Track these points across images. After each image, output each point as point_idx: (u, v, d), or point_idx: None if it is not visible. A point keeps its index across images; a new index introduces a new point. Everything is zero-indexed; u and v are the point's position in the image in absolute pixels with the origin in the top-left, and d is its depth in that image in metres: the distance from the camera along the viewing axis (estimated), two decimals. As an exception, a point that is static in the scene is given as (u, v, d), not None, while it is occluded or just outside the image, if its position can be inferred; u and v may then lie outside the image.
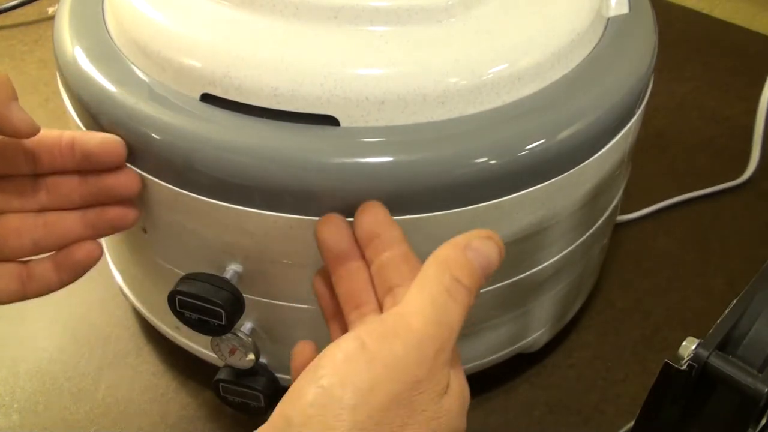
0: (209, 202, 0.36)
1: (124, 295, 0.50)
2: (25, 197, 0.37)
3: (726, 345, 0.31)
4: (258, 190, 0.35)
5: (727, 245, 0.57)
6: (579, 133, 0.37)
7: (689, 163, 0.64)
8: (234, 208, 0.36)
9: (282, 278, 0.38)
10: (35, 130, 0.35)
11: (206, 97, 0.36)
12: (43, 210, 0.38)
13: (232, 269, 0.38)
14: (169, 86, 0.37)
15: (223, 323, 0.37)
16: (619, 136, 0.40)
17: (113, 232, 0.39)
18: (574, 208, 0.40)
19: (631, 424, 0.35)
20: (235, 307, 0.38)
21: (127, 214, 0.38)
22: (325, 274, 0.35)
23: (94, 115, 0.38)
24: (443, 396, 0.29)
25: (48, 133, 0.36)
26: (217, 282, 0.38)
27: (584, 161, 0.38)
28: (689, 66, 0.74)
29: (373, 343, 0.28)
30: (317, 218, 0.35)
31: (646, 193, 0.59)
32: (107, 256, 0.51)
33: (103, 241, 0.51)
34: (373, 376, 0.27)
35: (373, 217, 0.34)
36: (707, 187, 0.60)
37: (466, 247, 0.30)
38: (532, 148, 0.36)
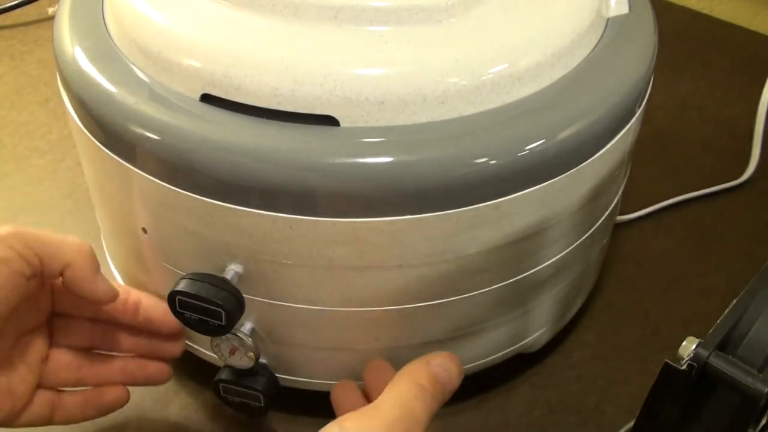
0: (209, 202, 0.36)
1: (124, 295, 0.50)
2: (83, 337, 0.42)
3: (726, 345, 0.31)
4: (258, 191, 0.35)
5: (727, 245, 0.57)
6: (579, 134, 0.37)
7: (689, 163, 0.64)
8: (234, 209, 0.36)
9: (282, 278, 0.38)
10: (114, 298, 0.40)
11: (206, 98, 0.36)
12: (93, 349, 0.42)
13: (232, 269, 0.38)
14: (169, 86, 0.37)
15: (223, 323, 0.37)
16: (619, 136, 0.40)
17: (146, 385, 0.43)
18: (574, 208, 0.40)
19: (631, 424, 0.35)
20: (235, 307, 0.38)
21: (164, 371, 0.43)
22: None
23: (94, 116, 0.38)
24: None
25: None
26: (217, 282, 0.38)
27: (584, 161, 0.38)
28: (689, 66, 0.74)
29: (349, 424, 0.32)
30: (317, 218, 0.35)
31: (646, 193, 0.59)
32: (107, 256, 0.51)
33: (103, 240, 0.51)
34: None
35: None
36: (707, 187, 0.60)
37: (429, 362, 0.36)
38: (532, 148, 0.36)
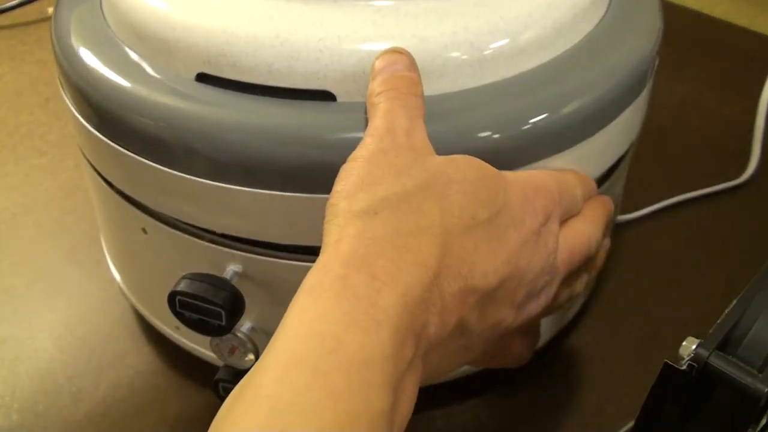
0: (207, 183, 0.36)
1: (124, 295, 0.50)
2: None
3: (726, 345, 0.31)
4: (256, 169, 0.35)
5: (727, 245, 0.57)
6: (584, 108, 0.37)
7: (689, 163, 0.64)
8: (232, 188, 0.35)
9: (282, 278, 0.38)
10: None
11: (202, 77, 0.36)
12: None
13: (231, 269, 0.38)
14: (164, 67, 0.37)
15: (223, 324, 0.37)
16: (626, 112, 0.39)
17: None
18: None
19: (631, 424, 0.35)
20: (236, 307, 0.37)
21: None
22: None
23: (89, 99, 0.38)
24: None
25: None
26: (217, 282, 0.37)
27: (590, 136, 0.38)
28: (689, 66, 0.74)
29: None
30: (316, 195, 0.35)
31: (646, 193, 0.59)
32: (107, 256, 0.51)
33: (102, 240, 0.51)
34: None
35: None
36: (707, 187, 0.60)
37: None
38: (535, 122, 0.35)
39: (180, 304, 0.38)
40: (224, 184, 0.35)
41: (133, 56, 0.38)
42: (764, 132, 0.64)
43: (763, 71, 0.65)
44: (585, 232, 0.37)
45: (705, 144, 0.65)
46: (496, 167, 0.35)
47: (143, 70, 0.37)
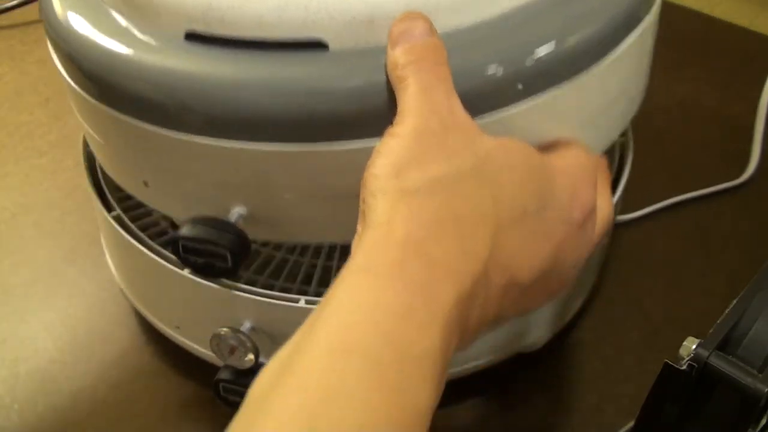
0: (204, 141, 0.35)
1: (124, 295, 0.50)
2: None
3: (726, 345, 0.31)
4: (252, 123, 0.34)
5: (727, 245, 0.57)
6: (589, 35, 0.36)
7: (689, 163, 0.64)
8: (230, 144, 0.35)
9: (286, 217, 0.38)
10: None
11: (191, 36, 0.35)
12: None
13: (236, 212, 0.37)
14: (152, 29, 0.36)
15: (229, 266, 0.37)
16: (632, 34, 0.38)
17: None
18: (588, 117, 0.39)
19: (631, 424, 0.35)
20: (241, 248, 0.37)
21: None
22: None
23: (80, 66, 0.38)
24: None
25: None
26: (221, 225, 0.37)
27: (597, 62, 0.37)
28: (689, 66, 0.74)
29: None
30: (314, 145, 0.34)
31: (646, 193, 0.59)
32: (107, 257, 0.51)
33: (102, 241, 0.51)
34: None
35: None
36: (707, 187, 0.60)
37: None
38: (540, 52, 0.34)
39: (184, 249, 0.37)
40: (220, 139, 0.35)
41: (120, 19, 0.37)
42: (764, 132, 0.64)
43: (763, 71, 0.65)
44: (608, 212, 0.36)
45: (705, 144, 0.65)
46: (501, 101, 0.34)
47: (131, 32, 0.37)
